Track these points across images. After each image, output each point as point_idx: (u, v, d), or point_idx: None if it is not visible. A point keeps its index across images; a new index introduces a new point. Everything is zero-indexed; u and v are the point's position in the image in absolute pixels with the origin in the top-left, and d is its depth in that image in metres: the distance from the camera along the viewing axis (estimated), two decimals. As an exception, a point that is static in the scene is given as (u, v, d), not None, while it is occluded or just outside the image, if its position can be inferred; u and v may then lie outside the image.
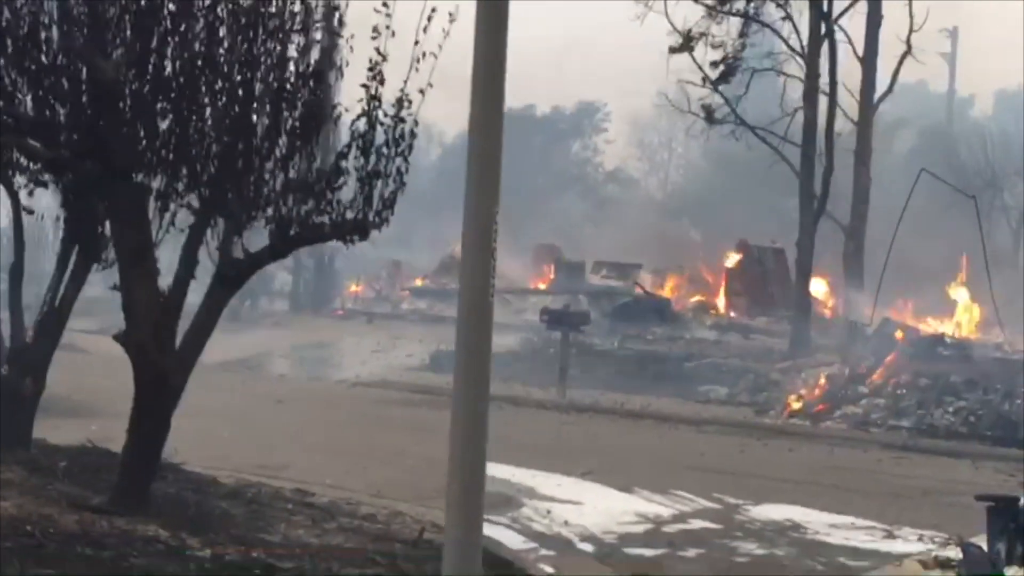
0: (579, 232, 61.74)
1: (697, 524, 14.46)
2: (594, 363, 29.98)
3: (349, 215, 11.23)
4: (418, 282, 41.11)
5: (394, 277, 41.58)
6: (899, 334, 27.21)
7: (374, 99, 11.17)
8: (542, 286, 42.15)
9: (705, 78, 29.76)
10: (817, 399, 25.05)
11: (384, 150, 11.15)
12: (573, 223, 66.02)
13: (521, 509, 14.83)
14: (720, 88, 30.42)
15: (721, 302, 41.35)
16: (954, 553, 12.45)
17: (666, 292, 41.58)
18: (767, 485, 17.20)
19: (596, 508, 14.98)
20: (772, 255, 38.69)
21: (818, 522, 14.80)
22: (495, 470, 17.14)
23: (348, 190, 11.32)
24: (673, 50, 29.61)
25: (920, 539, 14.07)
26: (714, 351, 31.95)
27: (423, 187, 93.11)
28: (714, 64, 29.66)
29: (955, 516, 14.77)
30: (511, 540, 13.21)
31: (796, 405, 24.83)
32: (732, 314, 39.48)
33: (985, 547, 11.65)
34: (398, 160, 11.21)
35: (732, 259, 41.22)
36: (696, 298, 42.29)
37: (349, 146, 11.29)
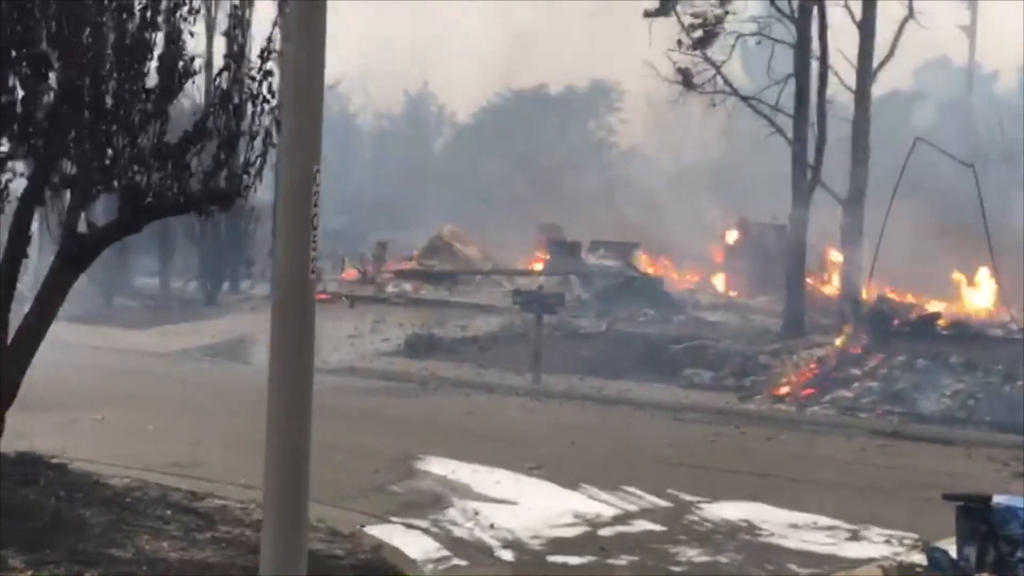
0: (591, 212, 60.14)
1: (639, 526, 13.06)
2: (578, 347, 28.56)
3: (212, 183, 9.87)
4: (406, 265, 39.72)
5: (380, 259, 40.21)
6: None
7: (238, 50, 9.83)
8: (538, 267, 40.65)
9: (680, 41, 28.09)
10: (805, 383, 23.53)
11: (250, 108, 9.78)
12: (585, 203, 64.58)
13: (447, 511, 13.44)
14: (706, 54, 28.73)
15: (721, 282, 39.88)
16: (920, 558, 11.03)
17: (662, 272, 40.08)
18: (732, 479, 15.77)
19: (532, 508, 13.60)
20: (774, 232, 37.03)
21: (776, 521, 13.38)
22: (434, 465, 15.96)
23: (208, 156, 10.01)
24: (648, 14, 28.01)
25: (887, 541, 12.65)
26: (708, 332, 30.46)
27: (434, 167, 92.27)
28: (693, 27, 28.00)
29: (933, 513, 13.17)
30: (424, 547, 11.83)
31: (782, 390, 23.30)
32: (732, 294, 38.00)
33: (954, 552, 10.23)
34: (266, 119, 9.82)
35: (731, 236, 39.70)
36: (693, 277, 40.87)
37: (211, 105, 9.94)
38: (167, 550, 10.11)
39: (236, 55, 9.81)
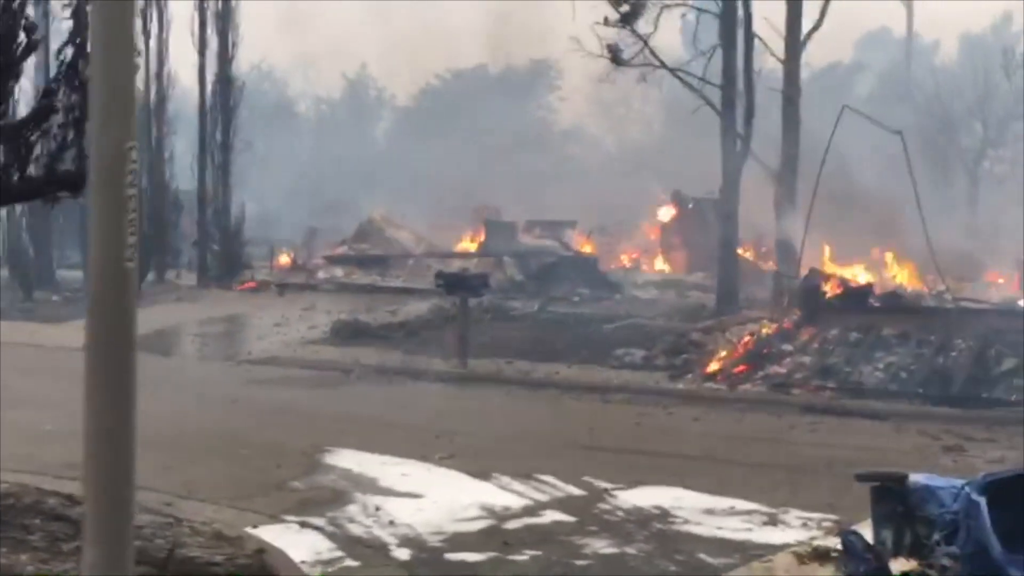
0: (532, 192, 59.63)
1: (548, 517, 12.43)
2: (509, 329, 28.02)
3: (57, 166, 9.17)
4: (337, 250, 39.10)
5: (310, 245, 39.56)
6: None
7: (84, 20, 9.12)
8: (472, 248, 40.11)
9: (607, 17, 27.51)
10: (737, 360, 22.99)
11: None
12: (526, 183, 64.09)
13: (347, 507, 12.76)
14: (634, 28, 28.12)
15: (659, 259, 39.44)
16: (837, 542, 10.47)
17: (600, 251, 39.57)
18: (653, 463, 15.21)
19: (437, 501, 12.95)
20: (711, 206, 36.52)
21: (693, 507, 12.80)
22: (341, 458, 15.28)
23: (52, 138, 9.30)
24: (572, -14, 27.43)
25: (805, 525, 12.10)
26: (642, 311, 29.99)
27: (375, 151, 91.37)
28: (619, 1, 27.39)
29: (858, 493, 12.69)
30: (316, 547, 11.18)
31: (713, 367, 22.76)
32: (667, 270, 37.54)
33: (870, 535, 9.67)
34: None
35: (666, 212, 39.23)
36: (632, 255, 40.40)
37: (55, 81, 9.23)
38: (24, 563, 9.42)
39: (82, 26, 9.11)
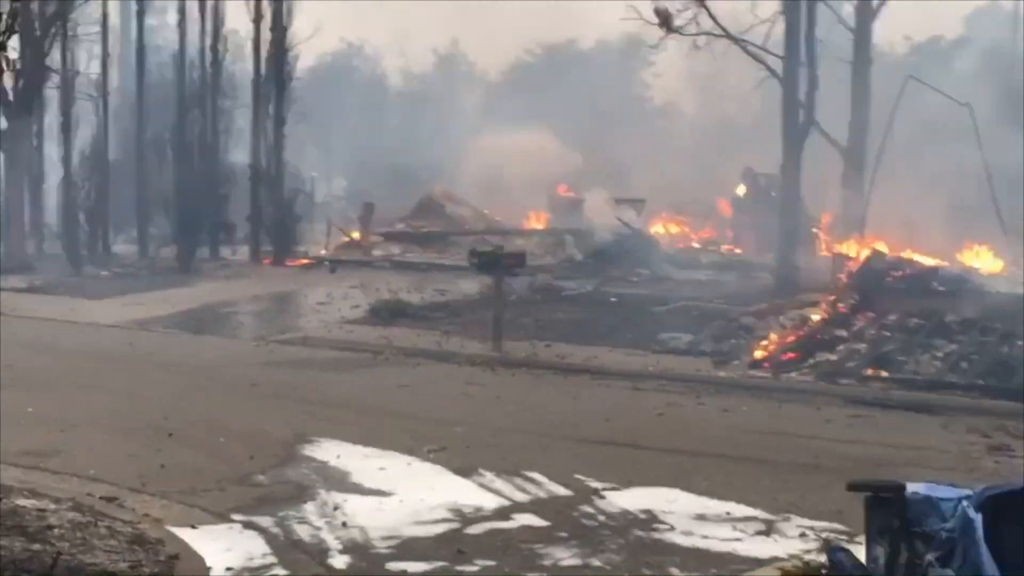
0: (616, 169, 58.21)
1: (520, 521, 11.28)
2: (558, 310, 26.88)
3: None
4: (396, 227, 38.16)
5: (367, 221, 38.62)
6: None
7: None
8: (538, 226, 38.97)
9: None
10: (786, 346, 21.60)
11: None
12: (611, 160, 62.71)
13: (306, 505, 11.72)
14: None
15: (730, 238, 38.01)
16: (833, 558, 9.20)
17: (667, 229, 38.23)
18: (657, 460, 14.02)
19: (403, 501, 11.87)
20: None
21: (684, 512, 11.59)
22: (321, 449, 14.16)
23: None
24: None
25: (803, 535, 10.84)
26: (701, 293, 28.67)
27: (464, 127, 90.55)
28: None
29: (875, 498, 11.46)
30: (249, 552, 10.15)
31: (760, 354, 21.39)
32: (738, 251, 36.08)
33: (863, 552, 8.40)
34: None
35: (739, 190, 37.76)
36: (705, 234, 38.98)
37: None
38: None
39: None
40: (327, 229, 39.48)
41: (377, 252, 35.72)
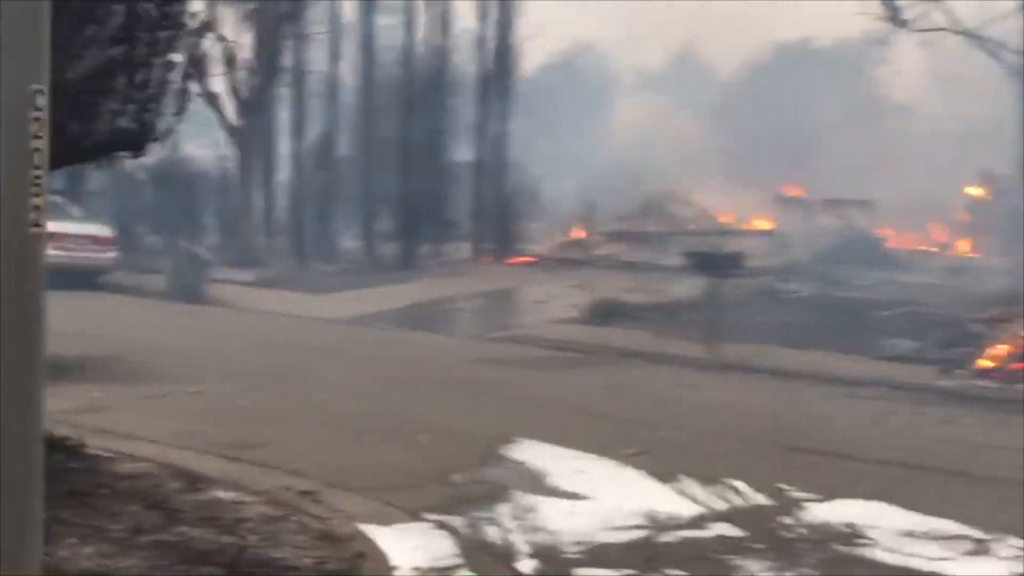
0: (846, 171, 56.85)
1: (715, 530, 10.93)
2: (777, 313, 26.28)
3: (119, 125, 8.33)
4: (620, 227, 37.99)
5: (589, 220, 38.53)
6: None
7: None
8: (763, 226, 38.29)
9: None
10: (1017, 355, 20.63)
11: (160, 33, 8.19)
12: (844, 161, 61.30)
13: (499, 506, 11.57)
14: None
15: (965, 242, 36.65)
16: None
17: (897, 231, 37.08)
18: (868, 472, 13.47)
19: (598, 505, 11.64)
20: (1024, 184, 33.56)
21: (891, 527, 11.06)
22: (521, 450, 14.11)
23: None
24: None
25: (1018, 558, 10.22)
26: (930, 298, 27.68)
27: (695, 127, 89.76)
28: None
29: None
30: (436, 553, 10.04)
31: (987, 363, 20.47)
32: (971, 254, 34.77)
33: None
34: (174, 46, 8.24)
35: (976, 192, 36.37)
36: (938, 237, 37.68)
37: (125, 30, 8.38)
38: (91, 556, 8.65)
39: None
40: (549, 227, 39.55)
41: (598, 251, 35.64)
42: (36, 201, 5.29)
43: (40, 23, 5.37)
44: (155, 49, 8.22)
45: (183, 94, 8.25)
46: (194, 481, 11.17)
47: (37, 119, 5.29)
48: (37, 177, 5.29)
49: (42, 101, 5.31)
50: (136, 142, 8.28)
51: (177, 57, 8.23)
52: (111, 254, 30.43)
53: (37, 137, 5.29)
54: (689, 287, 28.34)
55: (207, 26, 8.12)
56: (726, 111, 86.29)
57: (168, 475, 11.37)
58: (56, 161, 8.33)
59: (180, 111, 8.29)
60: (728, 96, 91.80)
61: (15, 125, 5.25)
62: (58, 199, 32.58)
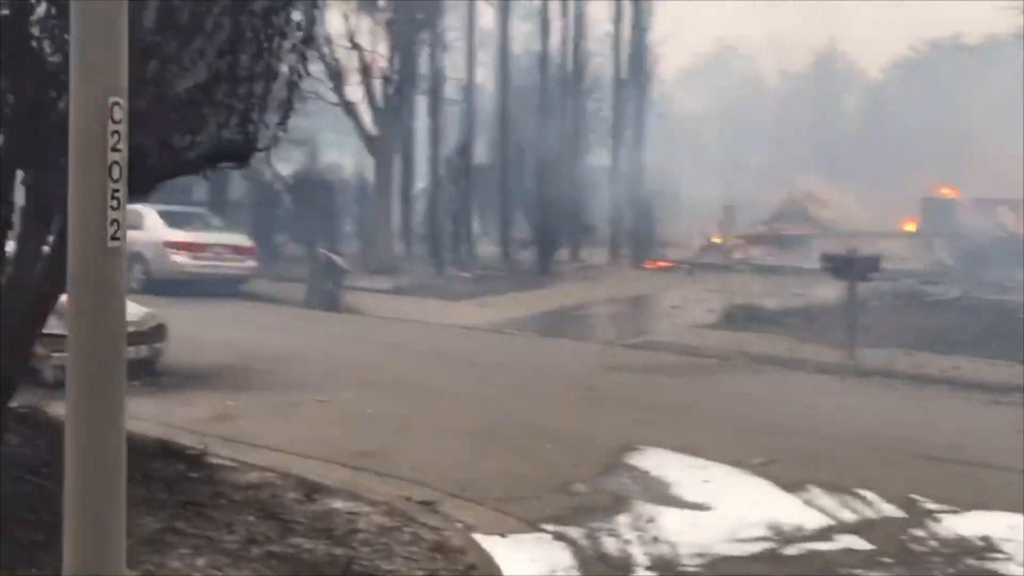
0: (1002, 172, 55.27)
1: (842, 543, 10.58)
2: (921, 317, 25.60)
3: (227, 134, 8.32)
4: (757, 230, 37.43)
5: (727, 223, 38.01)
6: None
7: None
8: (908, 228, 37.41)
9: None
10: None
11: (269, 44, 8.18)
12: (996, 161, 59.65)
13: (618, 517, 11.35)
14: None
15: None
16: None
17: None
18: (1008, 482, 12.94)
19: (721, 516, 11.36)
20: None
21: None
22: (646, 458, 13.85)
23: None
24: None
25: None
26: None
27: (841, 128, 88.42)
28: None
29: None
30: (554, 564, 9.88)
31: None
32: None
33: None
34: (289, 57, 8.21)
35: None
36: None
37: (231, 39, 8.37)
38: (203, 567, 8.65)
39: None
40: (688, 231, 39.16)
41: (737, 255, 35.15)
42: (114, 214, 5.21)
43: (118, 34, 5.29)
44: (259, 60, 8.18)
45: (288, 105, 8.19)
46: (312, 491, 11.14)
47: (115, 131, 5.22)
48: (116, 190, 5.22)
49: (120, 113, 5.23)
50: (240, 153, 8.24)
51: (282, 67, 8.16)
52: (250, 263, 30.81)
53: (116, 150, 5.21)
54: (828, 291, 27.82)
55: (311, 37, 8.02)
56: (872, 110, 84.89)
57: (287, 485, 11.37)
58: (161, 173, 8.38)
59: (284, 121, 8.24)
60: (874, 95, 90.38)
61: (92, 137, 5.18)
62: (200, 210, 33.24)
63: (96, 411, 5.38)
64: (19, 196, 8.49)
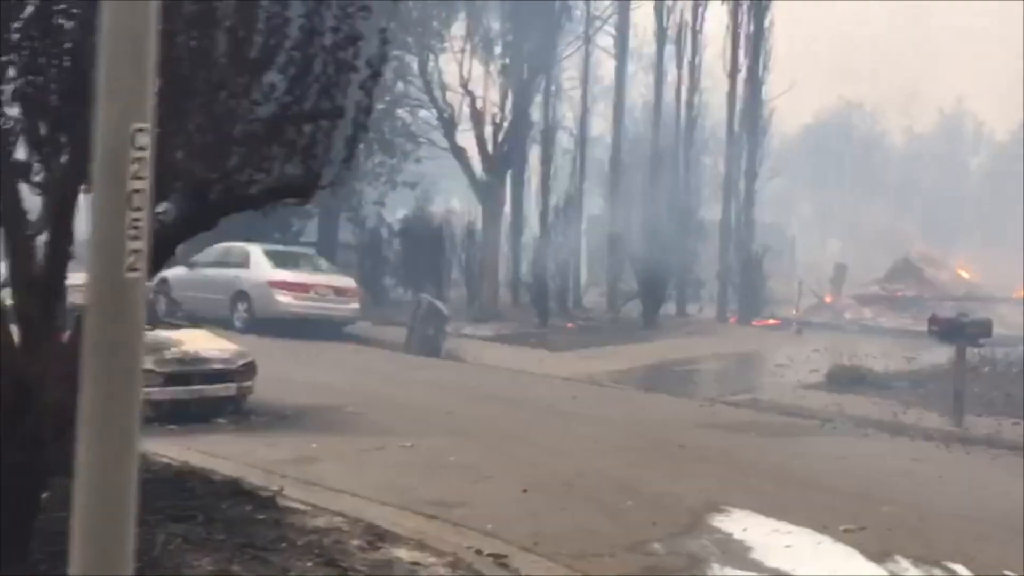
0: None
1: (925, 619, 10.09)
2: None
3: (290, 170, 8.19)
4: (870, 290, 36.65)
5: (839, 282, 37.29)
6: None
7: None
8: (1025, 294, 36.40)
9: None
10: None
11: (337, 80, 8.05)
12: None
13: (693, 580, 10.95)
14: None
15: None
16: None
17: None
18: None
19: (793, 585, 10.91)
20: None
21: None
22: (729, 520, 13.42)
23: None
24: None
25: None
26: None
27: (966, 189, 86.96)
28: None
29: None
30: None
31: None
32: None
33: None
34: (358, 92, 8.07)
35: None
36: None
37: (299, 74, 8.24)
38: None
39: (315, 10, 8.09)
40: (798, 289, 38.52)
41: (848, 315, 34.46)
42: (134, 244, 5.03)
43: (144, 60, 5.13)
44: (324, 97, 8.03)
45: (353, 142, 8.03)
46: (379, 538, 10.91)
47: (138, 159, 5.05)
48: (136, 220, 5.04)
49: (143, 140, 5.06)
50: (303, 189, 8.08)
51: (348, 104, 8.00)
52: (354, 305, 30.83)
53: (138, 178, 5.04)
54: (939, 355, 27.08)
55: (379, 73, 7.86)
56: (997, 173, 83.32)
57: (355, 531, 11.15)
58: (223, 208, 8.24)
59: (349, 159, 8.08)
60: (999, 156, 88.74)
61: (113, 165, 5.01)
62: (307, 251, 33.42)
63: (108, 452, 5.18)
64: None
